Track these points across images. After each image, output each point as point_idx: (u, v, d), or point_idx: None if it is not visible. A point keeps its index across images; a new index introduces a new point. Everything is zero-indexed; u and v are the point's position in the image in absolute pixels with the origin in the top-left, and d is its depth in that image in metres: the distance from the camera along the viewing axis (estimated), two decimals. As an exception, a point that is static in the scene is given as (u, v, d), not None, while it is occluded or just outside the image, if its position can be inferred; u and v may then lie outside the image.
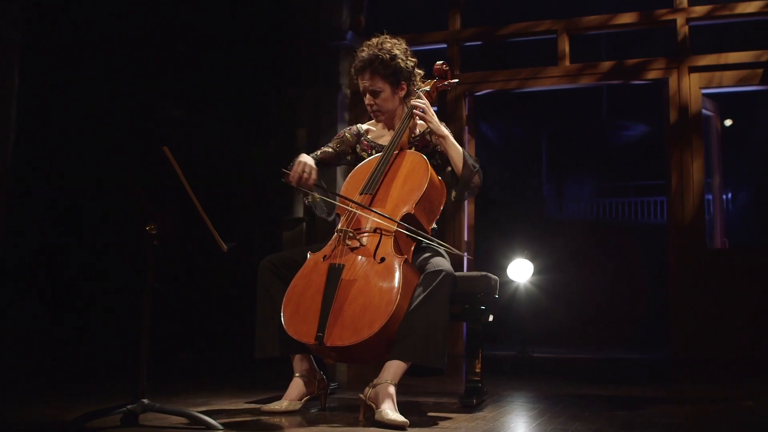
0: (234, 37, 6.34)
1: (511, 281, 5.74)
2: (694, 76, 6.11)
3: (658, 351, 7.53)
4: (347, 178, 3.07)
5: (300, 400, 2.85)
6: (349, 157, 3.26)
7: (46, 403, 2.97)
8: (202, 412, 2.46)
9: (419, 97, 3.08)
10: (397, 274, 2.61)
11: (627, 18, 6.39)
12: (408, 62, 3.15)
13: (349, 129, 3.32)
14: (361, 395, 2.57)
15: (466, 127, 6.55)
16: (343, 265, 2.68)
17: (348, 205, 2.87)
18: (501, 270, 6.06)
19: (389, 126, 3.24)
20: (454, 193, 3.05)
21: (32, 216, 5.50)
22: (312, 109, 6.53)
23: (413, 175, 2.92)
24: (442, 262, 2.77)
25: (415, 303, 2.62)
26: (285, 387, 2.88)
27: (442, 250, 2.92)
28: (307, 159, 2.96)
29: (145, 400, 2.37)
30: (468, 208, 6.49)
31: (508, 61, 7.32)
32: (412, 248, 2.86)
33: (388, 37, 3.17)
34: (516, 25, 6.67)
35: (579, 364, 6.65)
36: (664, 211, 12.96)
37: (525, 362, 5.24)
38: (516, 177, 14.12)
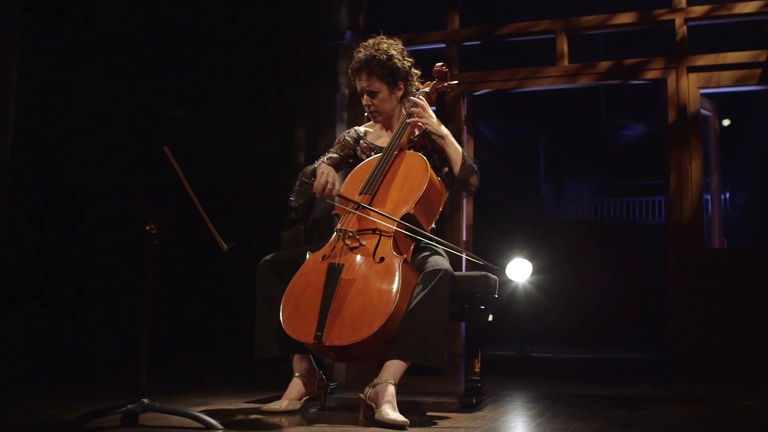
0: (233, 36, 6.34)
1: (510, 281, 5.73)
2: (693, 76, 6.12)
3: (657, 351, 7.54)
4: (347, 179, 3.07)
5: (299, 399, 2.85)
6: (351, 160, 3.26)
7: (46, 403, 2.97)
8: (201, 412, 2.46)
9: (418, 98, 3.09)
10: (397, 274, 2.61)
11: (625, 18, 6.39)
12: (405, 62, 3.15)
13: (348, 132, 3.32)
14: (361, 395, 2.57)
15: (465, 127, 6.56)
16: (343, 265, 2.69)
17: (347, 206, 2.87)
18: (499, 270, 6.06)
19: (387, 126, 3.25)
20: (453, 191, 3.06)
21: (32, 216, 5.50)
22: (311, 108, 6.53)
23: (413, 175, 2.92)
24: (441, 261, 2.77)
25: (415, 302, 2.63)
26: (284, 387, 2.89)
27: (441, 249, 2.93)
28: (329, 170, 2.94)
29: (145, 400, 2.37)
30: (466, 208, 6.50)
31: (506, 61, 7.32)
32: (412, 248, 2.86)
33: (384, 37, 3.17)
34: (514, 25, 6.67)
35: (578, 363, 6.65)
36: (663, 211, 12.98)
37: (524, 362, 5.24)
38: (514, 177, 14.13)
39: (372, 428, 2.43)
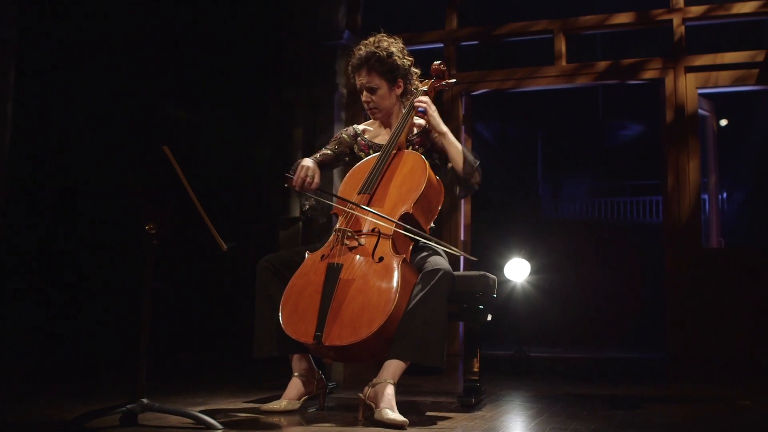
0: (232, 36, 6.34)
1: (508, 281, 5.73)
2: (691, 76, 6.13)
3: (655, 350, 7.55)
4: (345, 178, 3.07)
5: (299, 399, 2.85)
6: (347, 158, 3.26)
7: (46, 403, 2.97)
8: (201, 412, 2.47)
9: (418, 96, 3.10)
10: (396, 274, 2.62)
11: (623, 18, 6.40)
12: (405, 60, 3.16)
13: (346, 130, 3.32)
14: (361, 395, 2.58)
15: (463, 127, 6.56)
16: (342, 265, 2.69)
17: (346, 206, 2.87)
18: (498, 269, 6.07)
19: (386, 125, 3.25)
20: (457, 189, 3.07)
21: (31, 216, 5.50)
22: (309, 108, 6.53)
23: (411, 174, 2.93)
24: (440, 261, 2.78)
25: (414, 302, 2.63)
26: (284, 386, 2.89)
27: (440, 249, 2.93)
28: (309, 163, 2.97)
29: (145, 400, 2.37)
30: (464, 208, 6.50)
31: (504, 61, 7.33)
32: (410, 248, 2.87)
33: (384, 35, 3.19)
34: (512, 25, 6.67)
35: (577, 363, 6.66)
36: (660, 211, 12.98)
37: (522, 362, 5.24)
38: (512, 177, 14.13)
39: (371, 428, 2.43)
